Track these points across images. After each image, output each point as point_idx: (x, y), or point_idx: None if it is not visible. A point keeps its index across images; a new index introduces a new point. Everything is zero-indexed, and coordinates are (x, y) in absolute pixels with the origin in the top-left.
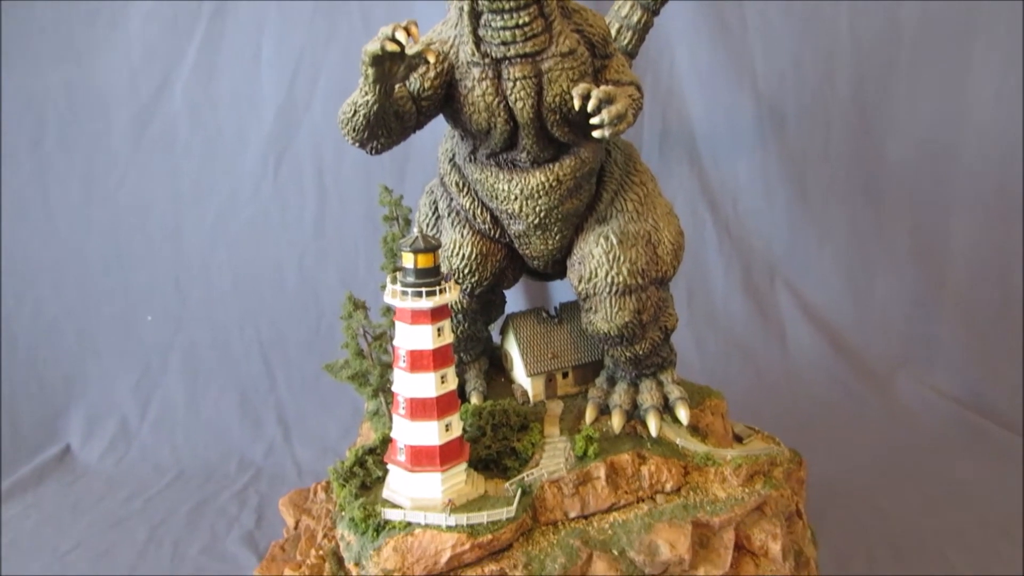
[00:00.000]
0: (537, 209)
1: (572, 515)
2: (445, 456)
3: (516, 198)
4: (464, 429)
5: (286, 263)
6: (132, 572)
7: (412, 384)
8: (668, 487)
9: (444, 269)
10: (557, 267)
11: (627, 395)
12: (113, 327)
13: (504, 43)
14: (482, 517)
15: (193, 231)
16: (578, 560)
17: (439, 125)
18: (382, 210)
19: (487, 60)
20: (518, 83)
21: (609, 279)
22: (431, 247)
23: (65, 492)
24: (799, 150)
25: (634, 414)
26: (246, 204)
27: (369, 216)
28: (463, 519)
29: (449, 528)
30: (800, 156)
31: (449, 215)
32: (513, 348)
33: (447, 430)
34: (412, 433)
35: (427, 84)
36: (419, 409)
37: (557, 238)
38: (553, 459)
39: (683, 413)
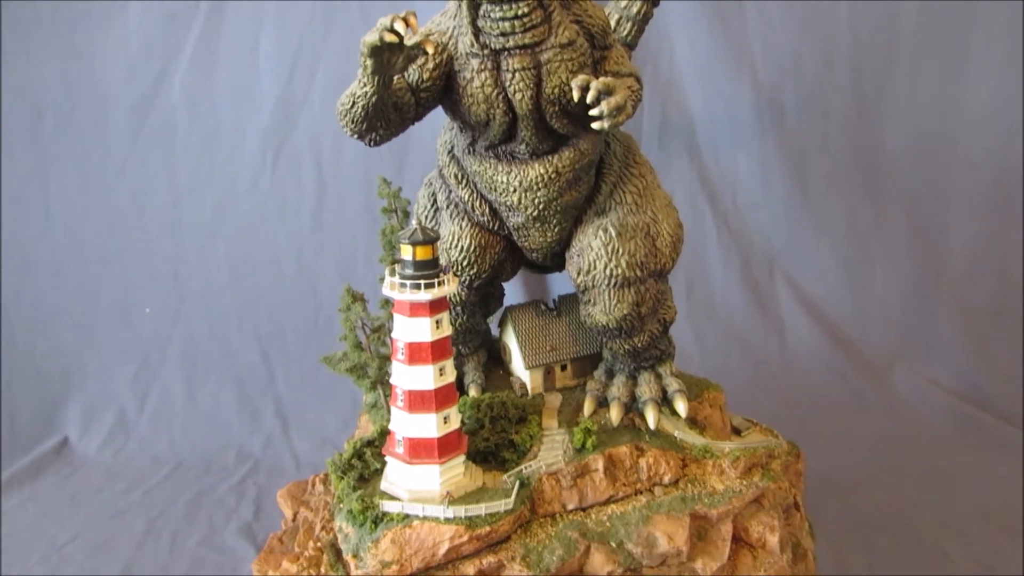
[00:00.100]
0: (536, 201)
1: (570, 507)
2: (443, 448)
3: (515, 190)
4: (462, 421)
5: (284, 255)
6: (130, 564)
7: (410, 376)
8: (666, 479)
9: (443, 261)
10: (556, 259)
11: (625, 388)
12: (111, 319)
13: (503, 34)
14: (480, 509)
15: (191, 224)
16: (576, 552)
17: (438, 117)
18: (381, 202)
19: (486, 51)
20: (517, 74)
21: (608, 271)
22: (430, 239)
23: (63, 484)
24: (798, 142)
25: (632, 407)
26: (244, 196)
27: (368, 208)
28: (461, 511)
29: (447, 520)
30: (799, 148)
31: (448, 207)
32: (512, 341)
33: (445, 422)
34: (410, 425)
35: (426, 75)
36: (417, 401)
37: (556, 230)
38: (551, 451)
39: (681, 405)
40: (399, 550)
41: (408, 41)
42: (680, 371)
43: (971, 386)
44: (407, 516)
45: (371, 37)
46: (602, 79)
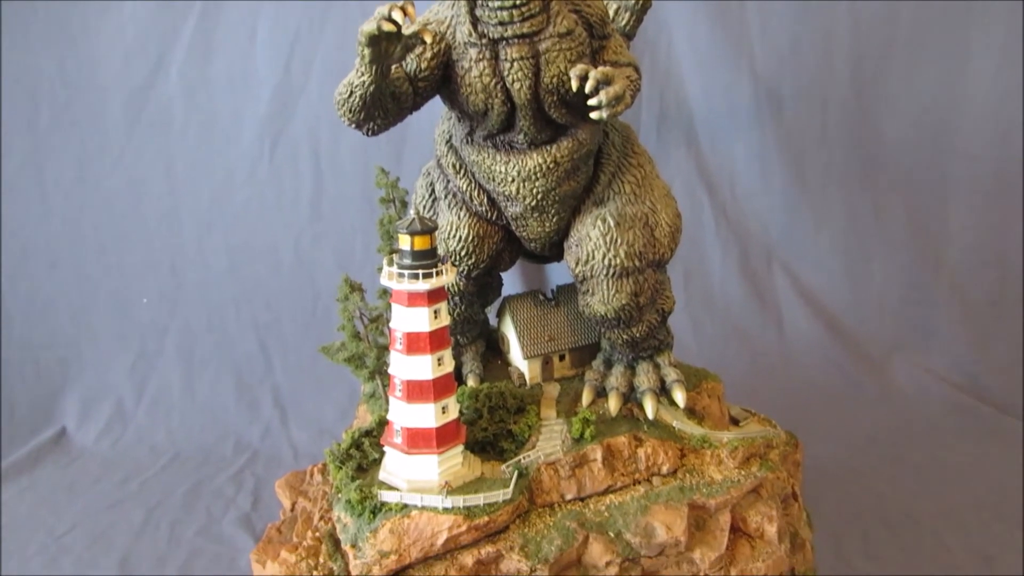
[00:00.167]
0: (534, 191)
1: (568, 497)
2: (442, 438)
3: (513, 180)
4: (461, 411)
5: (282, 245)
6: (128, 554)
7: (409, 366)
8: (664, 469)
9: (441, 251)
10: (554, 249)
11: (624, 378)
12: (108, 309)
13: (501, 23)
14: (479, 499)
15: (189, 213)
16: (574, 542)
17: (436, 106)
18: (379, 192)
19: (484, 41)
20: (515, 64)
21: (606, 261)
22: (428, 229)
23: (61, 474)
24: (797, 133)
25: (631, 397)
26: (242, 186)
27: (366, 198)
28: (459, 501)
29: (445, 510)
30: (798, 139)
31: (446, 197)
32: (510, 330)
33: (444, 412)
34: (409, 415)
35: (424, 65)
36: (416, 391)
37: (554, 220)
38: (550, 441)
39: (680, 396)
40: (397, 540)
41: (406, 30)
42: (678, 361)
43: (969, 377)
44: (405, 506)
45: (369, 26)
46: (600, 69)
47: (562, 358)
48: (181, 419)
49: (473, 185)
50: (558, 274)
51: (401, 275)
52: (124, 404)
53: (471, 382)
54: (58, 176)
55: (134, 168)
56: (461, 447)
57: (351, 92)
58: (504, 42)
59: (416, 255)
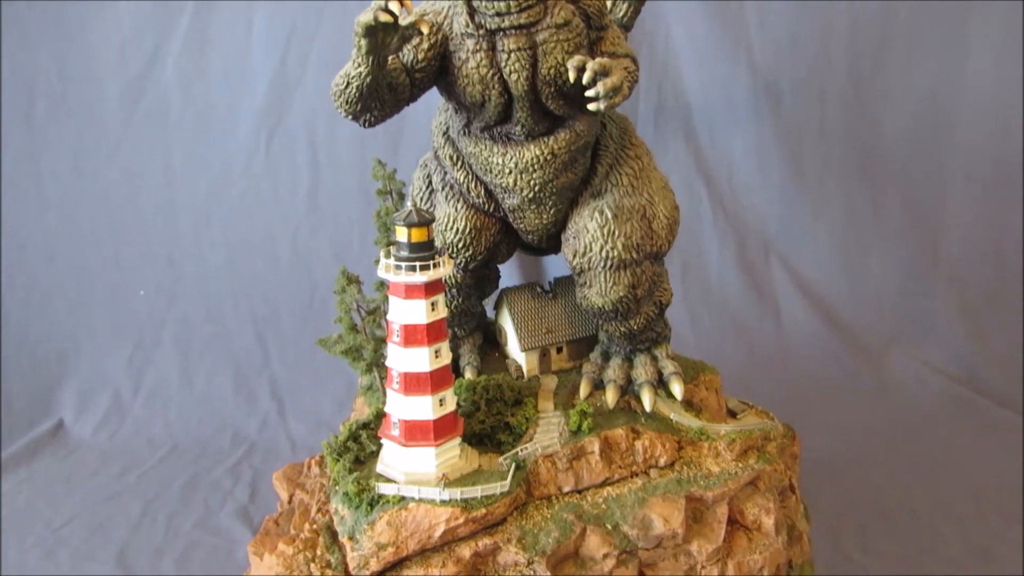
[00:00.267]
0: (531, 183)
1: (566, 489)
2: (439, 431)
3: (510, 172)
4: (458, 404)
5: (279, 237)
6: (126, 546)
7: (406, 358)
8: (662, 462)
9: (438, 243)
10: (551, 241)
11: (621, 370)
12: (106, 302)
13: (498, 14)
14: (476, 491)
15: (185, 205)
16: (572, 534)
17: (433, 97)
18: (375, 184)
19: (481, 31)
20: (512, 55)
21: (604, 253)
22: (425, 221)
23: (59, 467)
24: (795, 125)
25: (628, 389)
26: (239, 178)
27: (363, 190)
28: (457, 493)
29: (443, 502)
30: (795, 131)
31: (443, 189)
32: (507, 323)
33: (441, 405)
34: (406, 407)
35: (421, 56)
36: (413, 383)
37: (552, 212)
38: (547, 434)
39: (677, 388)
40: (395, 532)
41: (403, 21)
42: (676, 353)
43: (967, 369)
44: (403, 498)
45: (365, 17)
46: (598, 60)
47: (560, 350)
48: (179, 411)
49: (470, 177)
50: (555, 266)
51: (398, 267)
52: (121, 396)
53: (468, 374)
54: (54, 169)
55: (130, 160)
56: (458, 439)
57: (347, 83)
58: (501, 33)
59: (413, 247)
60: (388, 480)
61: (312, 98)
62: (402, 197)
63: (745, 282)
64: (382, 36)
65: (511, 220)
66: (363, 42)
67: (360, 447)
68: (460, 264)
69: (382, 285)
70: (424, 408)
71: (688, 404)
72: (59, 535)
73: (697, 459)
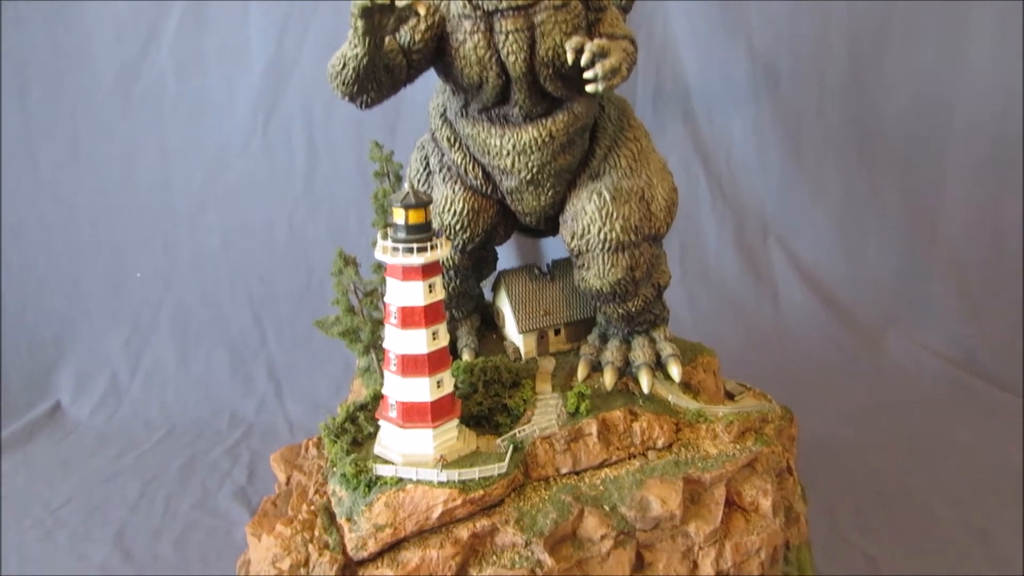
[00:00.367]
0: (529, 165)
1: (564, 471)
2: (436, 412)
3: (508, 154)
4: (456, 386)
5: (276, 219)
6: (124, 527)
7: (403, 340)
8: (660, 443)
9: (435, 225)
10: (549, 223)
11: (619, 352)
12: (102, 284)
13: None
14: (474, 473)
15: (182, 187)
16: (569, 515)
17: (431, 79)
18: (373, 166)
19: (479, 12)
20: (510, 36)
21: (602, 235)
22: (422, 203)
23: (56, 448)
24: (793, 108)
25: (626, 371)
26: (235, 160)
27: (360, 172)
28: (455, 475)
29: (441, 484)
30: (794, 114)
31: (440, 171)
32: (505, 305)
33: (438, 386)
34: (403, 389)
35: (418, 37)
36: (410, 365)
37: (550, 194)
38: (545, 415)
39: (675, 370)
40: (393, 513)
41: (399, 2)
42: (674, 335)
43: (964, 351)
44: (400, 480)
45: None
46: (596, 41)
47: (557, 332)
48: (176, 393)
49: (468, 159)
50: (553, 248)
51: (395, 249)
52: (119, 378)
53: (466, 356)
54: (50, 151)
55: (126, 143)
56: (456, 421)
57: (344, 64)
58: (499, 14)
59: (411, 229)
60: (386, 462)
61: (309, 80)
62: (399, 179)
63: (743, 264)
64: (378, 17)
65: (509, 202)
66: (359, 23)
67: (358, 429)
68: (458, 246)
69: (379, 267)
70: (422, 390)
71: (686, 386)
72: (57, 516)
73: (695, 441)
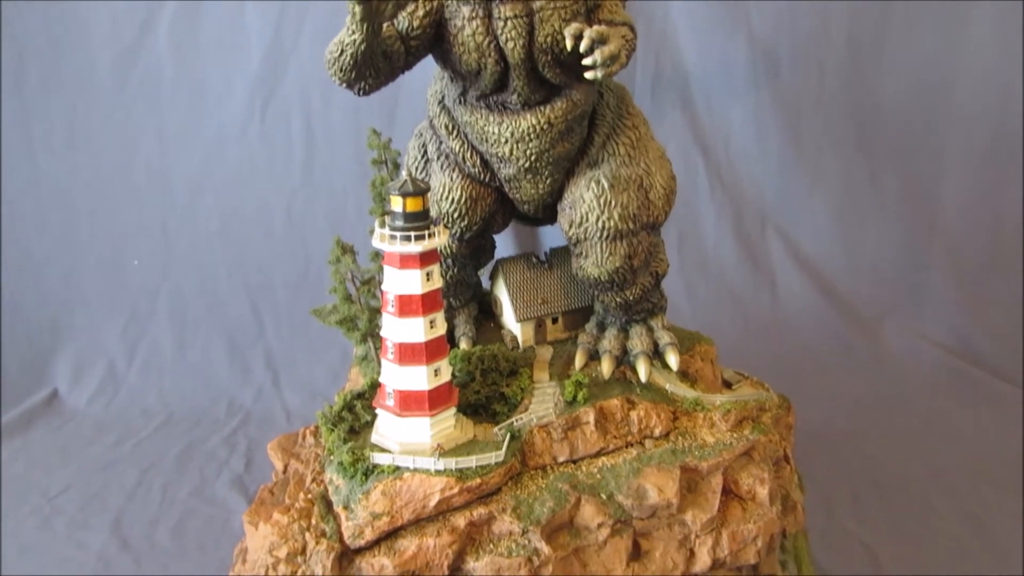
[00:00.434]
0: (528, 152)
1: (561, 460)
2: (434, 401)
3: (506, 141)
4: (453, 374)
5: (274, 207)
6: (121, 515)
7: (401, 329)
8: (657, 432)
9: (433, 213)
10: (548, 212)
11: (617, 340)
12: (100, 272)
13: None
14: (471, 461)
15: (179, 175)
16: (566, 504)
17: (428, 66)
18: (371, 153)
19: None
20: (509, 22)
21: (600, 224)
22: (420, 191)
23: (54, 436)
24: (793, 96)
25: (624, 359)
26: (233, 147)
27: (358, 159)
28: (452, 463)
29: (438, 472)
30: (794, 102)
31: (438, 158)
32: (503, 293)
33: (436, 375)
34: (401, 378)
35: (416, 23)
36: (408, 354)
37: (548, 182)
38: (542, 404)
39: (673, 359)
40: (390, 502)
41: None
42: (671, 324)
43: (962, 340)
44: (397, 468)
45: None
46: (596, 28)
47: (555, 321)
48: (173, 381)
49: (466, 146)
50: (551, 237)
51: (393, 237)
52: (116, 366)
53: (464, 345)
54: (47, 138)
55: (124, 130)
56: (453, 410)
57: (342, 51)
58: (497, 0)
59: (408, 217)
60: (383, 450)
61: (307, 67)
62: (397, 167)
63: (741, 253)
64: (376, 3)
65: (507, 190)
66: (357, 9)
67: (355, 417)
68: (455, 234)
69: (377, 255)
70: (419, 378)
71: (683, 375)
72: (55, 504)
73: (692, 429)
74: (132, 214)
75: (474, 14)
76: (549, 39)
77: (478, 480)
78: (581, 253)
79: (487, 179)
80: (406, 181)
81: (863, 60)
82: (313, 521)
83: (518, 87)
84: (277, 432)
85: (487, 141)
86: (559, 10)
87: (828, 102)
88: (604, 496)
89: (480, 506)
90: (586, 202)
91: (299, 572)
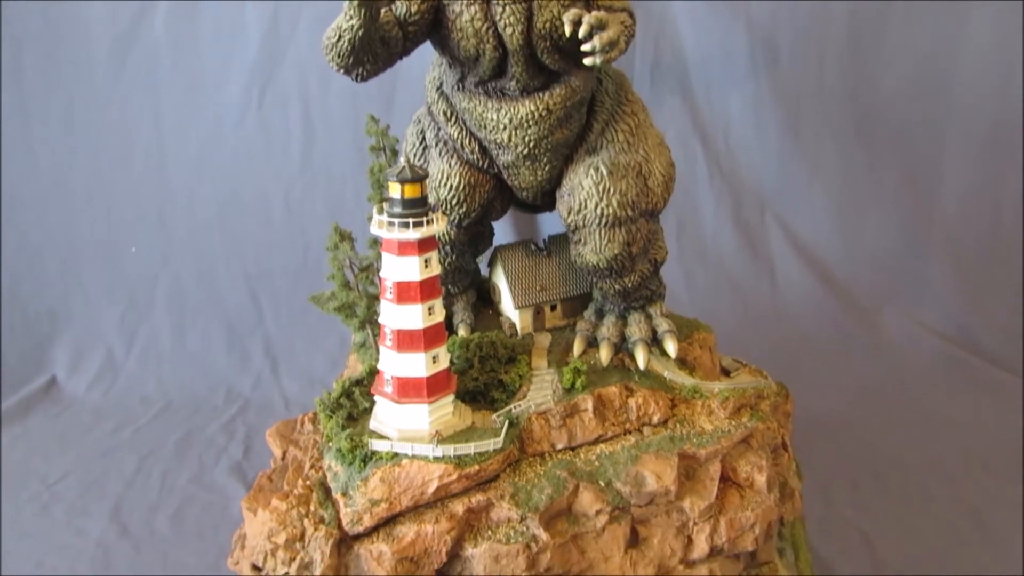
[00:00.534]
0: (526, 139)
1: (559, 447)
2: (432, 388)
3: (505, 128)
4: (451, 361)
5: (272, 194)
6: (120, 501)
7: (399, 316)
8: (655, 419)
9: (431, 200)
10: (546, 198)
11: (615, 328)
12: (97, 259)
13: None
14: (469, 448)
15: (177, 162)
16: (565, 491)
17: (427, 52)
18: (369, 140)
19: None
20: (507, 8)
21: (599, 211)
22: (418, 177)
23: (53, 423)
24: (792, 84)
25: (622, 347)
26: (231, 134)
27: (356, 146)
28: (450, 450)
29: (436, 459)
30: (793, 90)
31: (437, 145)
32: (501, 280)
33: (434, 362)
34: (399, 365)
35: (414, 8)
36: (406, 341)
37: (547, 169)
38: (540, 391)
39: (671, 346)
40: (388, 488)
41: None
42: (670, 312)
43: (960, 329)
44: (396, 455)
45: None
46: (594, 14)
47: (553, 308)
48: (172, 369)
49: (464, 133)
50: (550, 223)
51: (391, 224)
52: (114, 354)
53: (462, 332)
54: (44, 126)
55: (121, 116)
56: (452, 396)
57: (339, 36)
58: None
59: (406, 203)
60: (381, 437)
61: (304, 52)
62: (395, 153)
63: (740, 241)
64: None
65: (505, 177)
66: None
67: (353, 404)
68: (454, 221)
69: (375, 242)
70: (417, 365)
71: (682, 362)
72: (54, 491)
73: (690, 417)
74: (130, 201)
75: (472, 0)
76: (548, 25)
77: (476, 467)
78: (580, 240)
79: (485, 166)
80: (404, 168)
81: (863, 49)
82: (312, 507)
83: (517, 73)
84: (276, 419)
85: (485, 127)
86: None
87: (828, 91)
88: (602, 483)
89: (478, 493)
90: (585, 189)
91: (298, 558)
